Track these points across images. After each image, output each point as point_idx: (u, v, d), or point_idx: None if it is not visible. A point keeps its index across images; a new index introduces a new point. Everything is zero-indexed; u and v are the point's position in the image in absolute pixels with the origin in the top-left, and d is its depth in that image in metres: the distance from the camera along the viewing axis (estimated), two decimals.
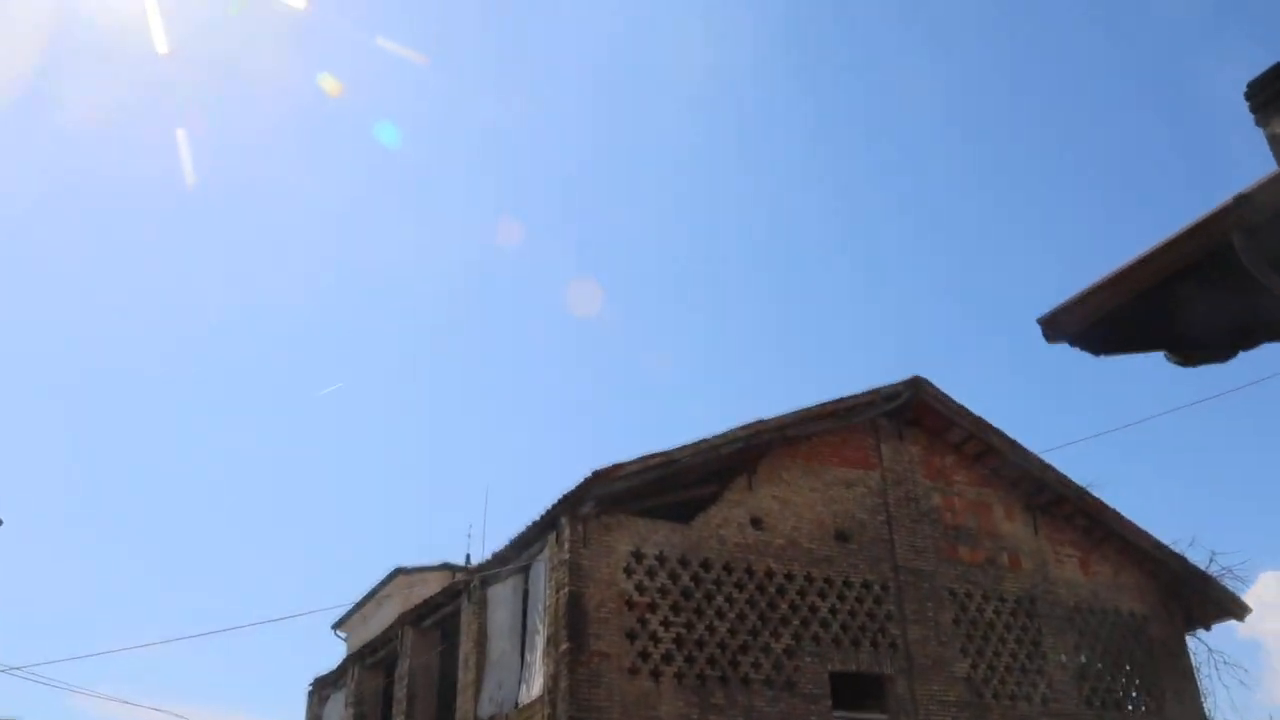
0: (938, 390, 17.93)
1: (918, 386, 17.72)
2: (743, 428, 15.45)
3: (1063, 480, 18.48)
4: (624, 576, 14.30)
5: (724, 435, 15.25)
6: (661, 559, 14.70)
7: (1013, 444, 18.34)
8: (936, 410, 17.93)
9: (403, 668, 18.65)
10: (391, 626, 19.55)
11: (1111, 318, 5.94)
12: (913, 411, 17.95)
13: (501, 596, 15.99)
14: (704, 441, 15.04)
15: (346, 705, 20.85)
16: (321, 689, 22.97)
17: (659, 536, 14.84)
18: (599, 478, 13.99)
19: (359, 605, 31.76)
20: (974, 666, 16.55)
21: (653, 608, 14.31)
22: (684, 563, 14.84)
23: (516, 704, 14.78)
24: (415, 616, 18.75)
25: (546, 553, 14.68)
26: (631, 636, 14.00)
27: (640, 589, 14.34)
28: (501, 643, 15.71)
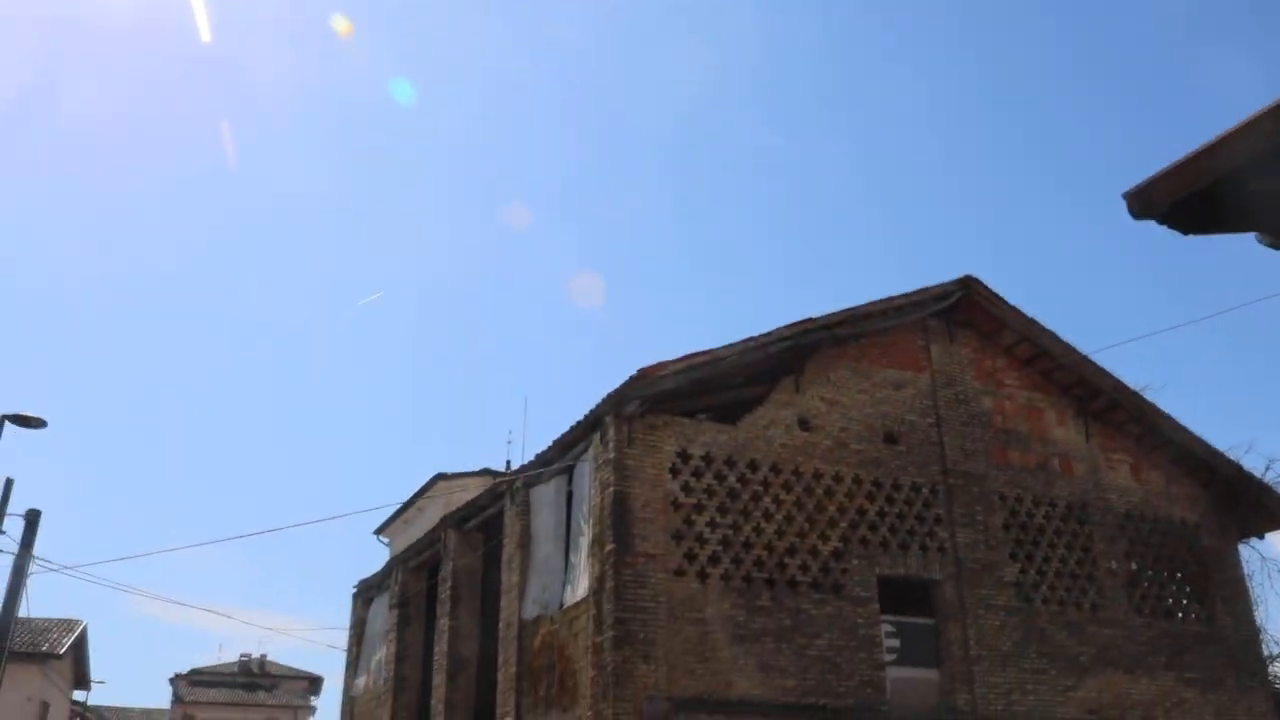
0: (989, 290, 17.43)
1: (969, 286, 17.22)
2: (789, 326, 15.08)
3: (1117, 385, 18.01)
4: (669, 477, 14.08)
5: (770, 334, 14.89)
6: (708, 459, 14.46)
7: (1066, 347, 17.86)
8: (988, 311, 17.44)
9: (446, 570, 18.67)
10: (434, 529, 19.56)
11: (1202, 195, 5.52)
12: (963, 313, 17.48)
13: (545, 498, 15.85)
14: (750, 340, 14.70)
15: (390, 607, 20.99)
16: (366, 591, 23.15)
17: (705, 437, 14.59)
18: (643, 376, 13.70)
19: (400, 510, 31.99)
20: (1023, 571, 16.30)
21: (699, 508, 14.12)
22: (730, 463, 14.60)
23: (561, 605, 14.72)
24: (458, 519, 18.72)
25: (591, 452, 14.48)
26: (677, 537, 13.83)
27: (686, 489, 14.13)
28: (545, 545, 15.62)
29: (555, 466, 15.56)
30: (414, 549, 20.63)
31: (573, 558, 14.76)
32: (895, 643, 14.96)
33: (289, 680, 59.09)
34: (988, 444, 16.97)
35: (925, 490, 15.97)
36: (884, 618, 14.88)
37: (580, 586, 14.17)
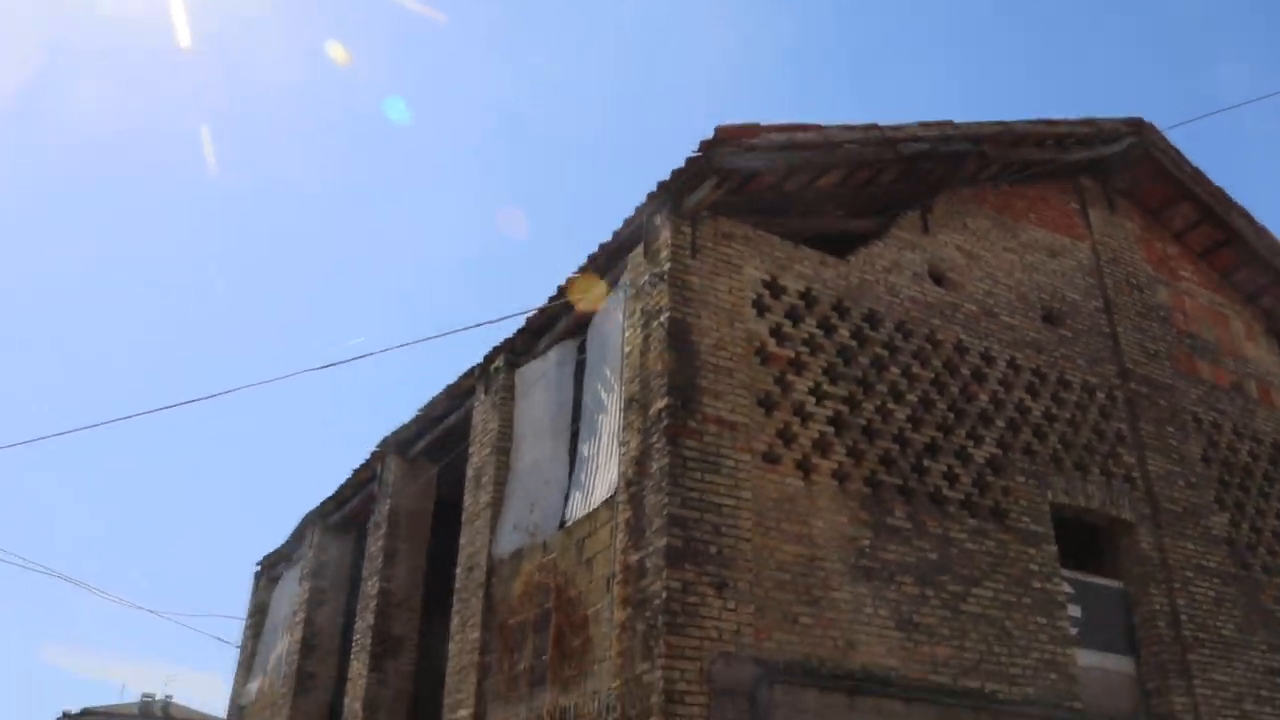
0: (1168, 143, 12.50)
1: (1142, 131, 12.26)
2: (924, 125, 9.94)
3: None
4: (753, 313, 8.75)
5: (900, 128, 9.73)
6: (809, 298, 9.16)
7: (1261, 231, 12.93)
8: (1162, 172, 12.50)
9: (381, 512, 13.05)
10: (368, 463, 13.90)
11: None
12: (1126, 177, 12.54)
13: (539, 375, 10.43)
14: (874, 128, 9.51)
15: (302, 579, 15.25)
16: (272, 567, 17.39)
17: (804, 266, 9.30)
18: (722, 140, 8.40)
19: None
20: (1234, 524, 11.13)
21: (798, 366, 8.78)
22: (841, 310, 9.31)
23: (563, 522, 9.24)
24: (401, 441, 13.16)
25: (627, 279, 9.12)
26: (767, 406, 8.45)
27: (779, 335, 8.80)
28: (538, 443, 10.16)
29: (564, 323, 10.19)
30: (335, 499, 14.97)
31: (586, 450, 9.31)
32: (1076, 610, 9.64)
33: None
34: (1171, 347, 11.89)
35: (1100, 394, 10.79)
36: (1065, 573, 9.60)
37: (600, 487, 8.73)
